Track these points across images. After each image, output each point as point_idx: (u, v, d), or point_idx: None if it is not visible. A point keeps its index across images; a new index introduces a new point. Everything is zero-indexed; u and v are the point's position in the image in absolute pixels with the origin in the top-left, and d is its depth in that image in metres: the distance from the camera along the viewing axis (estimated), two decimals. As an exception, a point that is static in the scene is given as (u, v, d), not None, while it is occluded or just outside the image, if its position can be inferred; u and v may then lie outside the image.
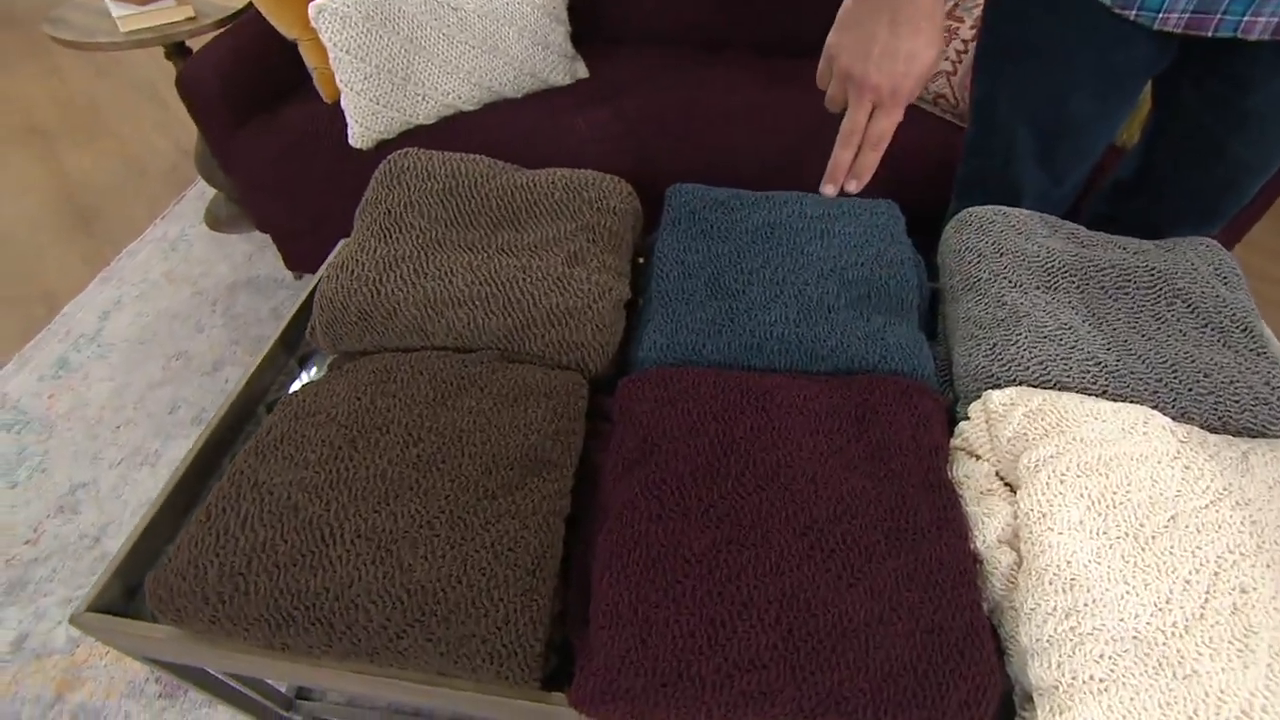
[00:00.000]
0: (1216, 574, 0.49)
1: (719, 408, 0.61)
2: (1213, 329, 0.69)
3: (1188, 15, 0.68)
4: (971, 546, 0.55)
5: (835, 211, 0.81)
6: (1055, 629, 0.48)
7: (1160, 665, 0.45)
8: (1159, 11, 0.69)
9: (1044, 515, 0.53)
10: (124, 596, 0.61)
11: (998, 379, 0.66)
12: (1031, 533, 0.53)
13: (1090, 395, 0.63)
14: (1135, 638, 0.47)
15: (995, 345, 0.67)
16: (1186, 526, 0.52)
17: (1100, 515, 0.53)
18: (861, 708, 0.47)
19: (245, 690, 0.82)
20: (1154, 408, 0.62)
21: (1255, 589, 0.49)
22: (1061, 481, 0.54)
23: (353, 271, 0.72)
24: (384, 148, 1.31)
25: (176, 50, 1.58)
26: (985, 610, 0.53)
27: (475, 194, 0.81)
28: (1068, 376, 0.64)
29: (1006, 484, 0.60)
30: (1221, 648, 0.46)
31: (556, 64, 1.42)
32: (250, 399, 0.77)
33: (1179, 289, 0.72)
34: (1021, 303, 0.70)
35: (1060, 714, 0.45)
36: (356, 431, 0.62)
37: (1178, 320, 0.70)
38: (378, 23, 1.25)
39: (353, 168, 1.32)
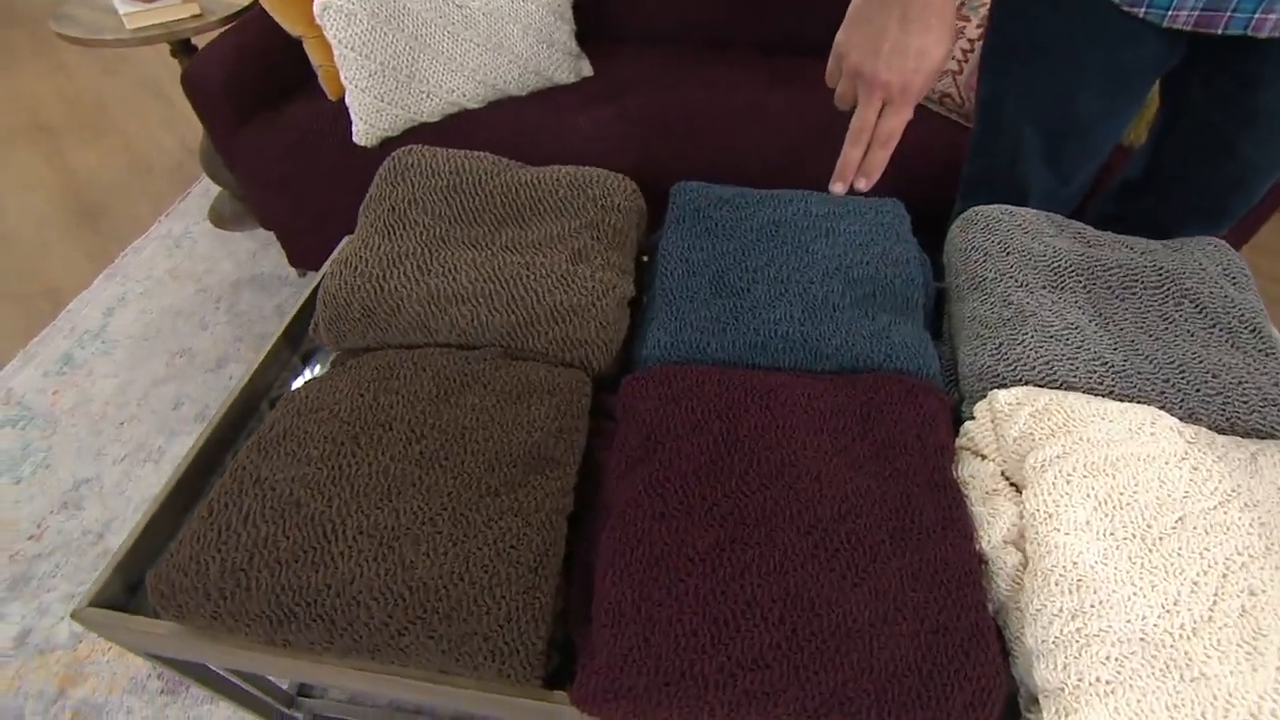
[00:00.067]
0: (1225, 576, 0.49)
1: (723, 406, 0.61)
2: (1221, 329, 0.68)
3: (1197, 12, 0.68)
4: (977, 547, 0.55)
5: (840, 210, 0.81)
6: (1061, 630, 0.47)
7: (1168, 667, 0.45)
8: (1168, 9, 0.69)
9: (1050, 516, 0.52)
10: (126, 592, 0.61)
11: (1003, 379, 0.65)
12: (1037, 533, 0.52)
13: (1097, 395, 0.63)
14: (1142, 639, 0.46)
15: (1001, 345, 0.67)
16: (1194, 528, 0.52)
17: (1107, 516, 0.52)
18: (865, 708, 0.46)
19: (247, 687, 0.83)
20: (1161, 408, 0.61)
21: (1264, 591, 0.48)
22: (1068, 482, 0.54)
23: (356, 268, 0.72)
24: (388, 145, 1.31)
25: (182, 47, 1.58)
26: (990, 611, 0.53)
27: (479, 191, 0.81)
28: (1074, 376, 0.64)
29: (1012, 484, 0.59)
30: (1230, 650, 0.45)
31: (561, 62, 1.41)
32: (253, 395, 0.77)
33: (1187, 289, 0.71)
34: (1028, 302, 0.69)
35: (1066, 716, 0.44)
36: (359, 428, 0.62)
37: (1186, 320, 0.70)
38: (382, 20, 1.25)
39: (357, 165, 1.32)
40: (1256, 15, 0.65)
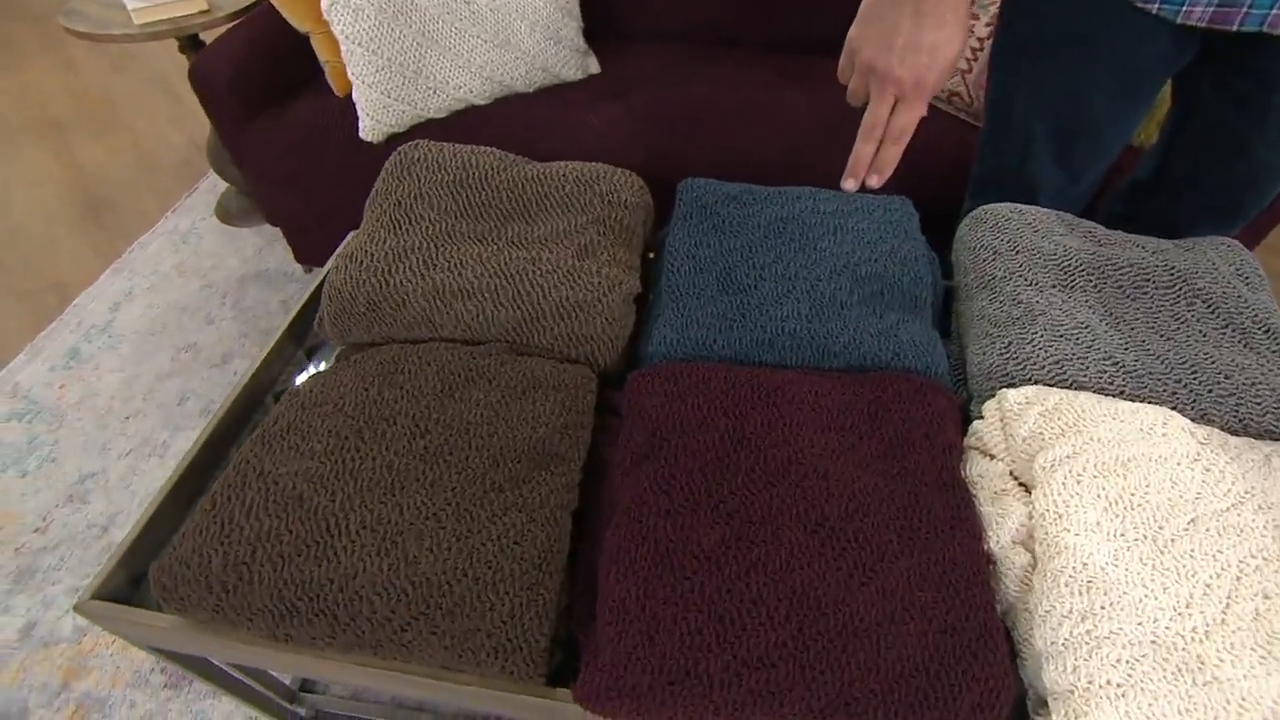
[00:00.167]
0: (1239, 579, 0.48)
1: (729, 403, 0.60)
2: (1234, 330, 0.68)
3: (1212, 9, 0.67)
4: (985, 547, 0.54)
5: (848, 208, 0.80)
6: (1071, 632, 0.47)
7: (1180, 671, 0.44)
8: (1182, 5, 0.68)
9: (1060, 516, 0.52)
10: (129, 585, 0.61)
11: (1012, 378, 0.65)
12: (1047, 534, 0.52)
13: (1107, 396, 0.62)
14: (1154, 642, 0.46)
15: (1010, 344, 0.66)
16: (1207, 530, 0.51)
17: (1118, 517, 0.52)
18: (872, 709, 0.46)
19: (249, 682, 0.82)
20: (1173, 409, 0.61)
21: (1279, 595, 0.48)
22: (1078, 482, 0.53)
23: (362, 262, 0.72)
24: (395, 141, 1.31)
25: (190, 43, 1.58)
26: (999, 612, 0.52)
27: (486, 186, 0.81)
28: (1084, 376, 0.63)
29: (1021, 484, 0.59)
30: (1244, 654, 0.45)
31: (568, 59, 1.41)
32: (258, 390, 0.77)
33: (1199, 289, 0.71)
34: (1037, 301, 0.69)
35: (1076, 719, 0.44)
36: (363, 422, 0.61)
37: (1198, 320, 0.69)
38: (390, 16, 1.25)
39: (363, 161, 1.31)
40: (1273, 11, 0.65)
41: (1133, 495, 0.53)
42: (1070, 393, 0.61)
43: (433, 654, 0.52)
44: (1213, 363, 0.64)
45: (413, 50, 1.27)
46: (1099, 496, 0.52)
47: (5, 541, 1.21)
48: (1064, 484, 0.53)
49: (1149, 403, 0.61)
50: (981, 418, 0.63)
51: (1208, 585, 0.48)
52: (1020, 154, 0.88)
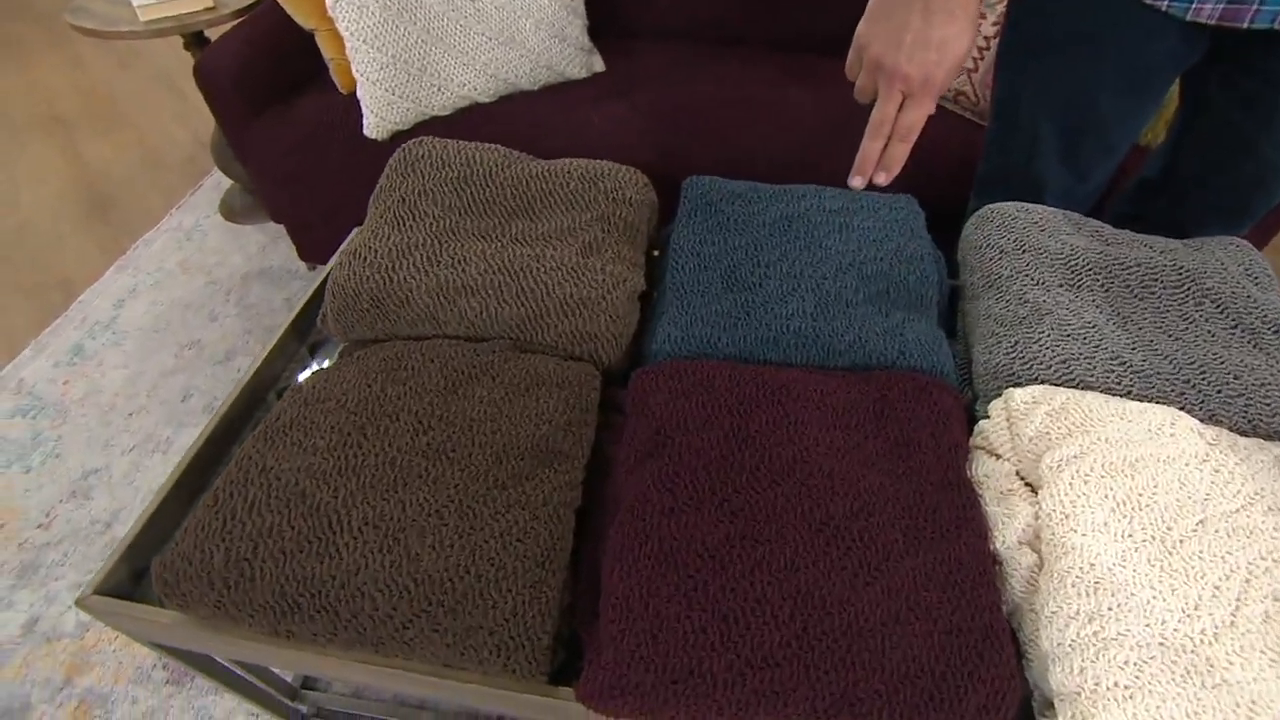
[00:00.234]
0: (1248, 581, 0.48)
1: (734, 401, 0.60)
2: (1243, 330, 0.67)
3: (1222, 6, 0.66)
4: (991, 547, 0.54)
5: (854, 206, 0.80)
6: (1078, 633, 0.46)
7: (1189, 673, 0.44)
8: (1192, 1, 0.67)
9: (1067, 516, 0.51)
10: (131, 580, 0.61)
11: (1019, 377, 0.64)
12: (1054, 534, 0.51)
13: (1115, 396, 0.61)
14: (1162, 644, 0.45)
15: (1017, 343, 0.66)
16: (1216, 531, 0.50)
17: (1125, 518, 0.51)
18: (877, 709, 0.45)
19: (250, 678, 0.82)
20: (1181, 410, 0.60)
21: (1288, 597, 0.47)
22: (1085, 482, 0.53)
23: (365, 259, 0.72)
24: (399, 139, 1.31)
25: (195, 40, 1.59)
26: (1004, 613, 0.52)
27: (490, 183, 0.81)
28: (1091, 376, 0.63)
29: (1027, 484, 0.58)
30: (1253, 657, 0.44)
31: (573, 57, 1.41)
32: (261, 386, 0.77)
33: (1208, 289, 0.70)
34: (1044, 300, 0.68)
35: (1083, 721, 0.43)
36: (366, 419, 0.61)
37: (1206, 321, 0.68)
38: (394, 13, 1.25)
39: (367, 159, 1.31)
40: (1284, 9, 0.64)
41: (1141, 496, 0.52)
42: (1077, 392, 0.60)
43: (435, 651, 0.52)
44: (1221, 363, 0.63)
45: (417, 47, 1.27)
46: (1106, 497, 0.52)
47: (9, 537, 1.21)
48: (1071, 484, 0.53)
49: (1157, 403, 0.60)
50: (987, 417, 0.63)
51: (1217, 587, 0.47)
52: (1027, 153, 0.88)
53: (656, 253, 0.86)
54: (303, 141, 1.39)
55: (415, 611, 0.50)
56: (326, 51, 1.35)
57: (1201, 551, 0.49)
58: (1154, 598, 0.47)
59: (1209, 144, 0.82)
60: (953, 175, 1.08)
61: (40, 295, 1.67)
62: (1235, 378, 0.62)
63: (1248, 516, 0.51)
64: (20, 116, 2.31)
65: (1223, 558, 0.49)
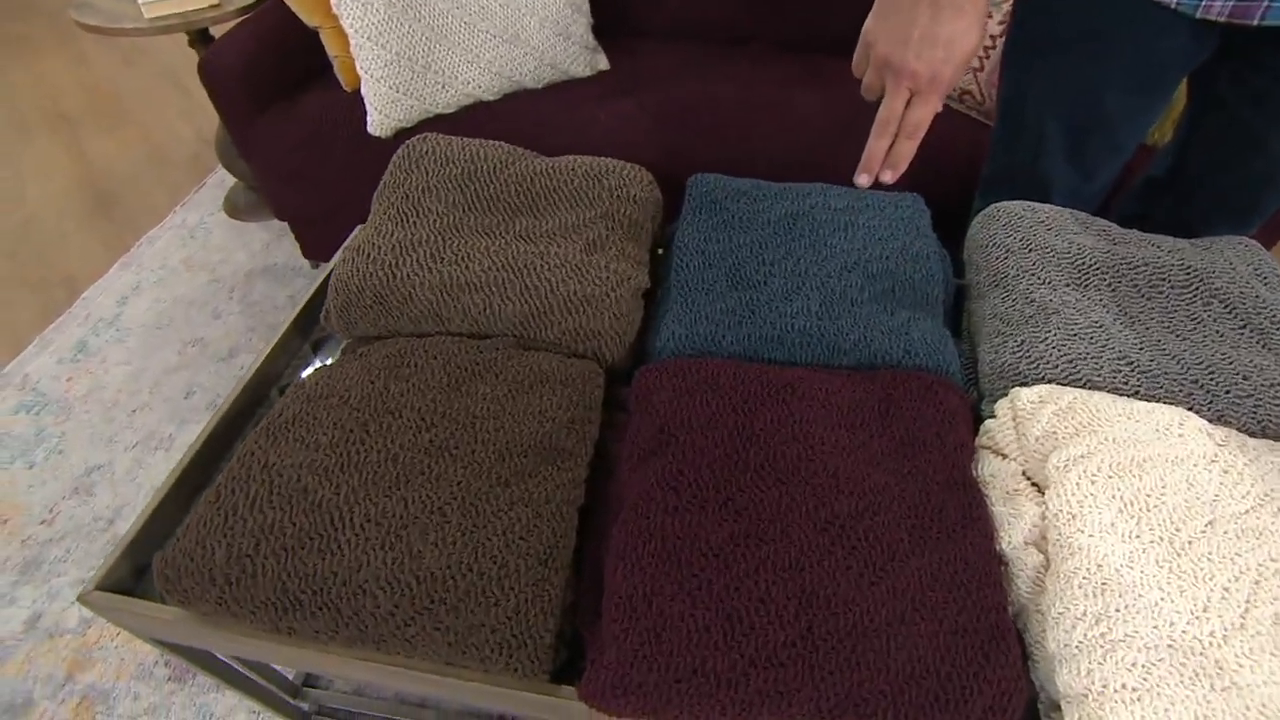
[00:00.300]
0: (1258, 583, 0.47)
1: (739, 399, 0.60)
2: (1252, 330, 0.66)
3: (1232, 3, 0.66)
4: (997, 547, 0.54)
5: (859, 204, 0.80)
6: (1085, 634, 0.46)
7: (1197, 675, 0.43)
8: (1201, -1, 0.67)
9: (1074, 516, 0.51)
10: (133, 576, 0.61)
11: (1025, 377, 0.64)
12: (1060, 534, 0.51)
13: (1122, 396, 0.61)
14: (1170, 646, 0.45)
15: (1023, 342, 0.65)
16: (1225, 532, 0.50)
17: (1133, 518, 0.51)
18: (882, 710, 0.45)
19: (252, 676, 0.82)
20: (1189, 410, 0.60)
21: (1298, 599, 0.47)
22: (1092, 482, 0.52)
23: (369, 255, 0.71)
24: (403, 136, 1.29)
25: (200, 37, 1.59)
26: (1010, 614, 0.51)
27: (494, 179, 0.80)
28: (1098, 376, 0.62)
29: (1034, 484, 0.58)
30: (1264, 659, 0.44)
31: (578, 55, 1.41)
32: (263, 383, 0.76)
33: (1216, 289, 0.69)
34: (1050, 300, 0.68)
35: (1090, 723, 0.43)
36: (369, 415, 0.61)
37: (1215, 321, 0.68)
38: (399, 10, 1.25)
39: (371, 156, 1.31)
40: (1295, 6, 0.63)
41: (1149, 496, 0.52)
42: (1084, 392, 0.60)
43: (436, 649, 0.51)
44: (1230, 363, 0.62)
45: (422, 45, 1.27)
46: (1114, 497, 0.51)
47: (12, 533, 1.21)
48: (1078, 484, 0.52)
49: (1165, 403, 0.60)
50: (993, 417, 0.62)
51: (1226, 589, 0.47)
52: (1033, 152, 0.87)
53: (660, 251, 0.86)
54: (307, 139, 1.39)
55: (417, 609, 0.50)
56: (331, 48, 1.35)
57: (1210, 553, 0.49)
58: (1162, 599, 0.46)
59: (1218, 142, 0.81)
60: (958, 175, 1.08)
61: (44, 292, 1.68)
62: (1244, 378, 0.61)
63: (1257, 518, 0.50)
64: (26, 113, 2.31)
65: (1232, 559, 0.48)
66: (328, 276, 0.83)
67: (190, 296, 1.65)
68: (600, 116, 1.33)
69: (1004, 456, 0.60)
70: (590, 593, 0.54)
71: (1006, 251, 0.74)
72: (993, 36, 1.28)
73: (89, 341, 1.55)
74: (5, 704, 1.02)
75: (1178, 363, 0.63)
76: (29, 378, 1.47)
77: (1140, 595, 0.47)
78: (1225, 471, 0.53)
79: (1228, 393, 0.61)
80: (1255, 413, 0.60)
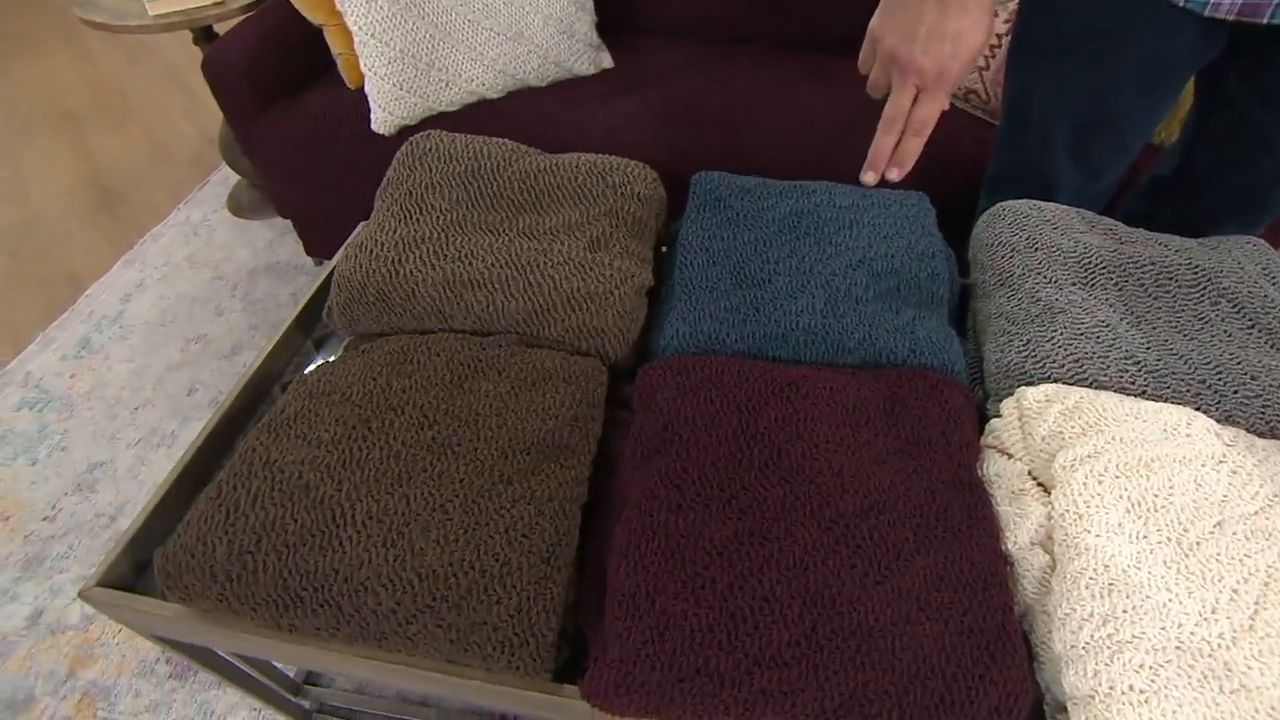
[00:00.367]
0: (1267, 584, 0.47)
1: (743, 397, 0.59)
2: (1260, 330, 0.66)
3: (1240, 1, 0.65)
4: (1003, 547, 0.53)
5: (864, 202, 0.79)
6: (1092, 635, 0.45)
7: (1206, 677, 0.43)
8: (1210, -3, 0.66)
9: (1080, 516, 0.50)
10: (133, 572, 0.61)
11: (1031, 376, 0.63)
12: (1067, 534, 0.50)
13: (1129, 395, 0.60)
14: (1179, 648, 0.44)
15: (1029, 341, 0.65)
16: (1234, 533, 0.49)
17: (1141, 519, 0.50)
18: (886, 711, 0.45)
19: (253, 673, 0.82)
20: (1197, 410, 0.59)
21: (1308, 600, 0.46)
22: (1100, 482, 0.52)
23: (372, 252, 0.71)
24: (406, 134, 1.30)
25: (204, 35, 1.59)
26: (1016, 614, 0.51)
27: (498, 176, 0.80)
28: (1105, 375, 0.62)
29: (1040, 484, 0.57)
30: (1273, 662, 0.43)
31: (582, 53, 1.40)
32: (265, 379, 0.76)
33: (1224, 288, 0.69)
34: (1057, 299, 0.67)
35: (1098, 725, 0.43)
36: (371, 412, 0.61)
37: (1223, 320, 0.67)
38: (403, 7, 1.24)
39: (374, 154, 1.31)
40: (1305, 4, 0.63)
41: (1156, 497, 0.51)
42: (1091, 391, 0.59)
43: (438, 647, 0.51)
44: (1238, 363, 0.62)
45: (425, 42, 1.27)
46: (1121, 497, 0.51)
47: (14, 529, 1.21)
48: (1085, 484, 0.52)
49: (1172, 403, 0.59)
50: (999, 416, 0.62)
51: (1235, 590, 0.46)
52: (1039, 151, 0.87)
53: (664, 249, 0.86)
54: (310, 136, 1.39)
55: (419, 607, 0.50)
56: (334, 46, 1.35)
57: (1219, 554, 0.48)
58: (1170, 600, 0.46)
59: (1226, 140, 0.80)
60: (963, 174, 1.07)
61: (48, 289, 1.68)
62: (1252, 378, 0.61)
63: (1267, 519, 0.50)
64: (30, 111, 2.32)
65: (1241, 560, 0.48)
66: (330, 273, 0.83)
67: (193, 294, 1.65)
68: (604, 115, 1.32)
69: (1009, 456, 0.60)
70: (593, 591, 0.54)
71: (1012, 250, 0.74)
72: (998, 35, 1.27)
73: (92, 338, 1.55)
74: (7, 700, 1.02)
75: (1185, 363, 0.62)
76: (32, 375, 1.48)
77: (1148, 596, 0.46)
78: (1234, 472, 0.53)
79: (1236, 393, 0.60)
80: (1264, 413, 0.59)
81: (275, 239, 1.80)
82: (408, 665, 0.53)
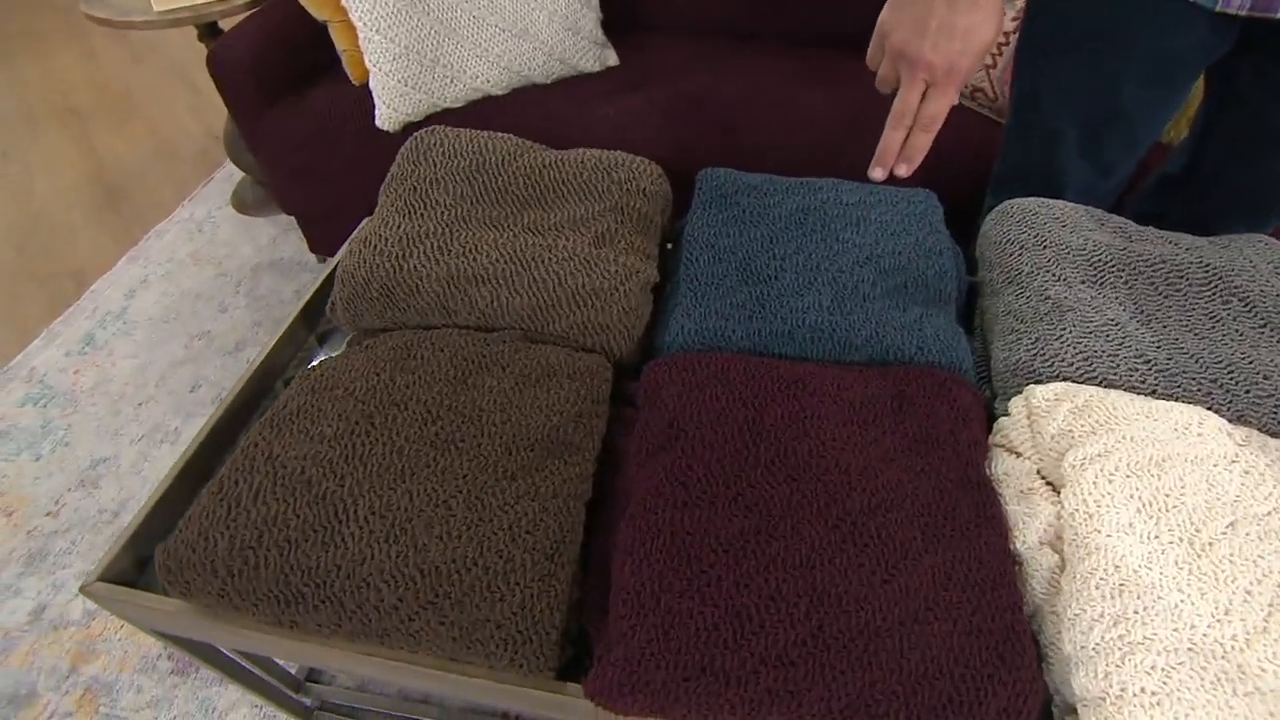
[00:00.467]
0: (1281, 585, 0.46)
1: (749, 394, 0.59)
2: (1272, 329, 0.65)
3: (1253, -3, 0.65)
4: (1012, 546, 0.53)
5: (872, 199, 0.79)
6: (1102, 636, 0.45)
7: (1219, 680, 0.42)
8: (1222, -8, 0.66)
9: (1090, 516, 0.50)
10: (135, 568, 0.61)
11: (1039, 374, 0.63)
12: (1077, 534, 0.50)
13: (1139, 394, 0.60)
14: (1191, 649, 0.44)
15: (1038, 340, 0.64)
16: (1247, 534, 0.49)
17: (1152, 518, 0.50)
18: (893, 711, 0.44)
19: (255, 670, 0.82)
20: (1208, 409, 0.58)
21: (1322, 602, 0.46)
22: (1110, 481, 0.51)
23: (376, 247, 0.71)
24: (411, 130, 1.29)
25: (209, 31, 1.59)
26: (1025, 615, 0.50)
27: (502, 172, 0.80)
28: (1114, 374, 0.61)
29: (1049, 483, 0.57)
30: (1287, 663, 0.43)
31: (586, 50, 1.40)
32: (268, 375, 0.76)
33: (1236, 286, 0.68)
34: (1065, 297, 0.67)
35: (1108, 727, 0.42)
36: (374, 408, 0.60)
37: (1234, 319, 0.66)
38: (408, 3, 1.24)
39: (379, 150, 1.30)
40: (1319, -2, 0.62)
41: (1168, 496, 0.50)
42: (1101, 390, 0.59)
43: (440, 644, 0.51)
44: (1250, 363, 0.61)
45: (430, 39, 1.26)
46: (1132, 497, 0.50)
47: (17, 525, 1.21)
48: (1095, 483, 0.51)
49: (1183, 403, 0.59)
50: (1007, 415, 0.61)
51: (1248, 591, 0.46)
52: (1046, 149, 0.86)
53: (670, 246, 0.85)
54: (314, 133, 1.38)
55: (421, 603, 0.50)
56: (339, 42, 1.35)
57: (1232, 555, 0.47)
58: (1182, 601, 0.45)
59: (1236, 138, 0.80)
60: (970, 172, 1.06)
61: (52, 285, 1.68)
62: (1265, 378, 0.60)
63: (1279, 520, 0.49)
64: (35, 108, 2.32)
65: (1254, 561, 0.47)
66: (334, 269, 0.82)
67: (197, 290, 1.65)
68: (609, 112, 1.32)
69: (1018, 455, 0.59)
70: (597, 589, 0.53)
71: (1021, 248, 0.73)
72: (1005, 33, 1.27)
73: (96, 334, 1.55)
74: (9, 695, 1.02)
75: (1196, 362, 0.62)
76: (36, 370, 1.48)
77: (1160, 597, 0.45)
78: (1246, 472, 0.52)
79: (1248, 392, 0.60)
80: (1276, 413, 0.59)
81: (279, 235, 1.80)
82: (410, 662, 0.53)
